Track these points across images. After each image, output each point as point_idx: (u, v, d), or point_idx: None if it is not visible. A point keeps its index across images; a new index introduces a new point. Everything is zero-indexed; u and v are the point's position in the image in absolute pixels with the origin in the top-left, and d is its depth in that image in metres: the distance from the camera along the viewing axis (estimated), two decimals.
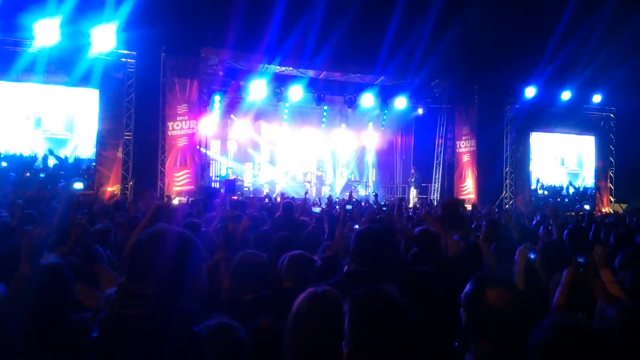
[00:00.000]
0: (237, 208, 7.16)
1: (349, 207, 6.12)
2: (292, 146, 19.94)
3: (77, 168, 13.57)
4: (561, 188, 19.56)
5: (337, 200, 13.14)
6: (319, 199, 12.27)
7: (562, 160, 19.92)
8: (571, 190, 19.65)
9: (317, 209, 8.74)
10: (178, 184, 14.33)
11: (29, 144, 13.17)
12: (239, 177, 17.70)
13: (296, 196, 14.34)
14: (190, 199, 12.73)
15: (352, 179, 20.62)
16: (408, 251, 4.09)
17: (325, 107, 18.93)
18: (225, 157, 19.10)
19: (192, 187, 14.33)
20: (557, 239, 4.88)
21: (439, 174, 19.06)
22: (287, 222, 5.92)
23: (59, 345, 2.28)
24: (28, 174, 12.76)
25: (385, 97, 17.86)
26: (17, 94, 13.12)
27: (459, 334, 2.12)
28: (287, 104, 18.12)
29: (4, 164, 12.74)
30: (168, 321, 1.67)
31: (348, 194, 16.82)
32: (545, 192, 19.24)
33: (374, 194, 12.10)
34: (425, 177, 18.87)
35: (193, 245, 1.84)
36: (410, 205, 15.67)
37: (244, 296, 3.17)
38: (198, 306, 1.93)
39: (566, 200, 19.31)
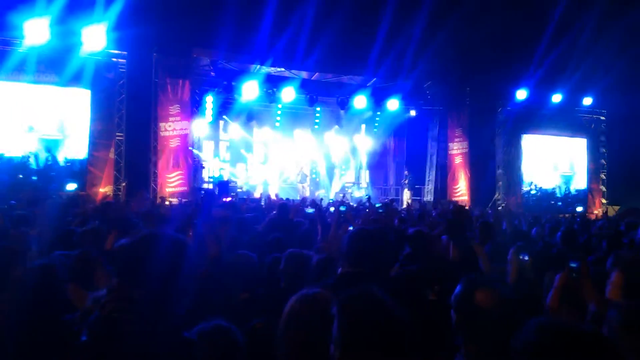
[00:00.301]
0: (228, 210, 7.14)
1: (342, 208, 6.12)
2: (285, 147, 19.95)
3: (69, 169, 13.47)
4: (553, 190, 19.69)
5: (330, 202, 13.14)
6: (313, 201, 12.33)
7: (555, 162, 20.06)
8: (563, 188, 19.79)
9: (310, 210, 8.73)
10: (171, 185, 14.27)
11: (21, 145, 13.04)
12: (232, 179, 17.68)
13: (289, 197, 14.33)
14: (183, 200, 12.70)
15: (347, 182, 20.68)
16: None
17: (318, 109, 18.95)
18: (218, 158, 19.07)
19: (185, 188, 14.28)
20: (547, 241, 4.92)
21: (432, 175, 19.12)
22: (281, 222, 5.92)
23: (51, 346, 2.27)
24: (21, 176, 12.63)
25: (378, 98, 17.92)
26: (8, 93, 13.01)
27: (450, 336, 2.14)
28: (279, 105, 18.12)
29: None
30: (158, 326, 1.67)
31: (342, 195, 16.88)
32: (538, 194, 19.36)
33: (367, 196, 12.12)
34: (418, 178, 18.93)
35: (185, 249, 1.84)
36: (404, 206, 15.72)
37: (239, 297, 3.18)
38: (190, 308, 1.94)
39: (559, 203, 19.43)
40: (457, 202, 15.71)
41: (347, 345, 1.59)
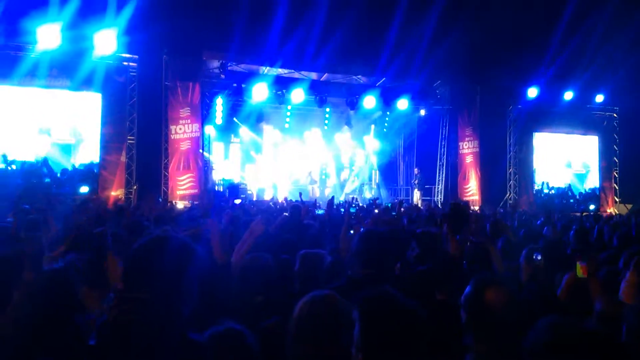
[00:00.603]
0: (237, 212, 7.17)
1: (352, 209, 6.12)
2: (294, 149, 19.99)
3: (83, 173, 13.58)
4: (565, 189, 19.51)
5: (339, 203, 13.14)
6: (321, 203, 12.35)
7: (568, 160, 19.90)
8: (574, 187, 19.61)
9: (320, 211, 8.74)
10: (182, 188, 14.35)
11: (34, 149, 13.19)
12: (241, 181, 17.74)
13: (298, 199, 14.34)
14: (195, 202, 12.76)
15: (357, 182, 20.68)
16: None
17: (328, 109, 18.95)
18: (228, 159, 19.16)
19: (196, 190, 14.34)
20: (560, 240, 4.87)
21: (442, 175, 19.03)
22: (292, 224, 5.89)
23: (60, 349, 2.28)
24: (34, 180, 12.74)
25: (387, 98, 17.85)
26: (21, 98, 13.17)
27: (459, 335, 2.13)
28: (289, 107, 18.16)
29: (13, 166, 12.78)
30: (164, 329, 1.67)
31: (352, 197, 16.85)
32: (552, 192, 19.19)
33: (373, 198, 12.10)
34: (428, 178, 18.86)
35: (192, 252, 1.84)
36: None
37: (254, 299, 3.17)
38: (201, 312, 1.94)
39: (571, 200, 19.25)
40: (468, 201, 15.64)
41: (370, 348, 1.61)
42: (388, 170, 21.39)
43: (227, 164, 18.94)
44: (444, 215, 4.47)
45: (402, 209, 7.81)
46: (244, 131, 19.13)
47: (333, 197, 11.09)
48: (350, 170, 21.13)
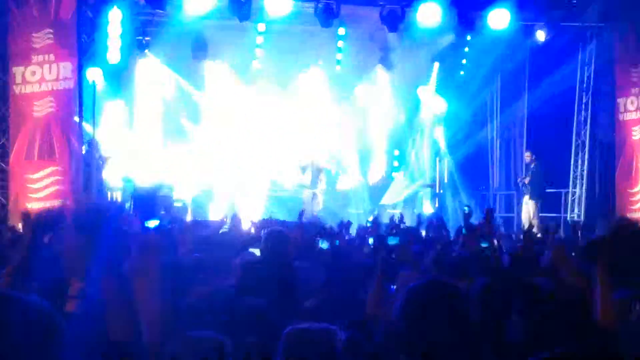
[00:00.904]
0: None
1: (392, 240, 6.16)
2: (273, 113, 20.06)
3: None
4: None
5: (361, 227, 13.16)
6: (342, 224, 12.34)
7: None
8: None
9: (324, 245, 8.77)
10: (37, 194, 14.39)
11: None
12: (164, 182, 17.77)
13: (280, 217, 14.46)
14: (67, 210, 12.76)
15: (401, 180, 20.78)
16: None
17: (342, 32, 19.00)
18: (133, 134, 19.22)
19: (67, 199, 14.35)
20: None
21: (583, 167, 19.07)
22: (271, 273, 5.85)
23: None
24: None
25: (466, 8, 17.89)
26: None
27: None
28: (261, 27, 18.21)
29: None
30: None
31: (398, 213, 16.90)
32: None
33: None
34: (554, 174, 18.89)
35: (55, 330, 1.91)
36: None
37: None
38: None
39: None
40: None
41: None
42: (469, 158, 21.42)
43: (132, 145, 18.97)
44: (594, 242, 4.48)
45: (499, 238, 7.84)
46: (168, 76, 19.25)
47: (348, 221, 11.21)
48: (390, 155, 21.22)
